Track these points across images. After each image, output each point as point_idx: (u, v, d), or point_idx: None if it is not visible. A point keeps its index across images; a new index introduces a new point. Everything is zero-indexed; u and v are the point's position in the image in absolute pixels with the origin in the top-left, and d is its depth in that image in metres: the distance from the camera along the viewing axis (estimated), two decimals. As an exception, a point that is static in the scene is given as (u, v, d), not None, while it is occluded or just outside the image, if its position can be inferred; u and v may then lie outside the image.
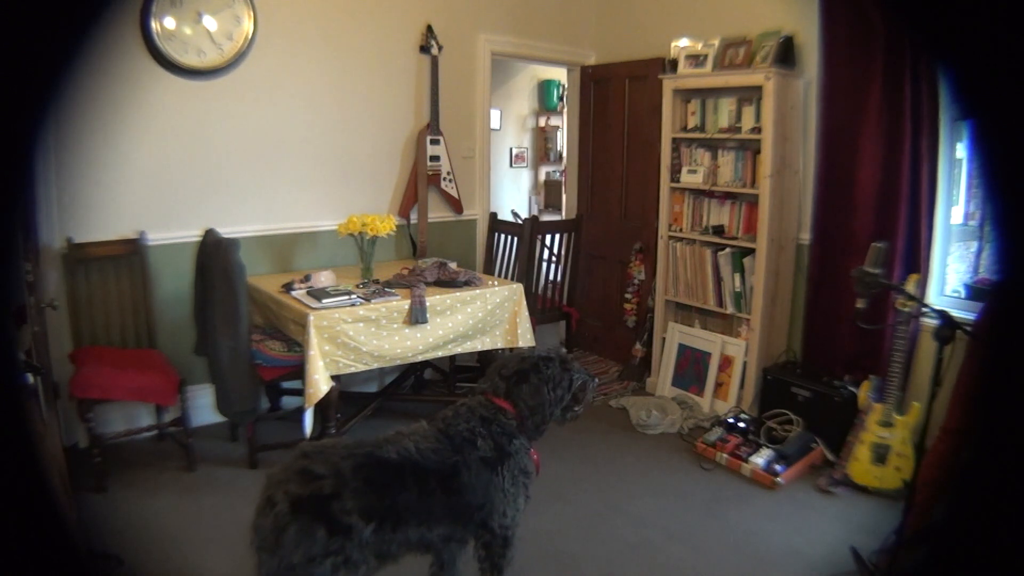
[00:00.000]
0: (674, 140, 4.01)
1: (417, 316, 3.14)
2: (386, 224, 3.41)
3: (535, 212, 6.91)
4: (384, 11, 3.94)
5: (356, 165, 3.97)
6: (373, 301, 3.10)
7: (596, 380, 2.18)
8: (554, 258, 4.54)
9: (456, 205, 4.36)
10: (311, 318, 2.89)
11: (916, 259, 3.23)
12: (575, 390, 2.07)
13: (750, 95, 3.65)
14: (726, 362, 3.86)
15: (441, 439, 1.88)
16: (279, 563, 1.62)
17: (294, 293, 3.17)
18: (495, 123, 6.39)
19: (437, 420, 1.96)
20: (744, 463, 3.20)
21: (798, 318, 3.78)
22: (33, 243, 2.74)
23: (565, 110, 5.69)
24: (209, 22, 3.32)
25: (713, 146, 3.87)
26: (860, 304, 2.41)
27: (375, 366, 3.16)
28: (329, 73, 3.79)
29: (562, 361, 2.08)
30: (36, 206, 2.93)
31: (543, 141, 7.02)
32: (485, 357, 3.70)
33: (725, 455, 3.28)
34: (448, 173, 4.24)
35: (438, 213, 4.32)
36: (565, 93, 5.88)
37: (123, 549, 2.35)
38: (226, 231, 3.27)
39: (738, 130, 3.72)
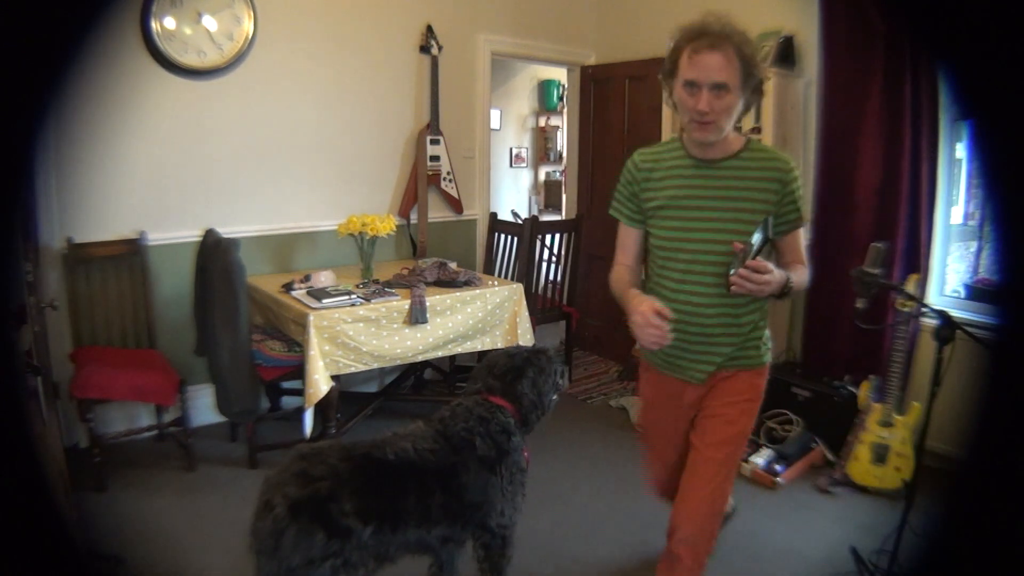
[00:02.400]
0: (674, 140, 4.01)
1: (417, 316, 3.14)
2: (386, 224, 3.41)
3: (535, 212, 6.91)
4: (384, 11, 3.94)
5: (356, 165, 3.97)
6: (373, 301, 3.10)
7: (565, 366, 2.27)
8: (554, 258, 4.54)
9: (456, 205, 4.36)
10: (311, 318, 2.89)
11: (916, 259, 3.23)
12: (556, 378, 2.14)
13: (750, 95, 3.64)
14: (726, 362, 3.86)
15: (439, 440, 1.88)
16: (278, 566, 1.62)
17: (294, 293, 3.17)
18: (495, 123, 6.39)
19: (434, 421, 1.96)
20: (744, 463, 3.20)
21: (798, 318, 3.77)
22: (33, 243, 2.74)
23: (565, 110, 5.69)
24: (209, 22, 3.32)
25: (713, 146, 3.86)
26: (860, 304, 2.41)
27: (375, 366, 3.15)
28: (329, 73, 3.79)
29: (545, 352, 2.15)
30: (36, 206, 2.93)
31: (543, 141, 7.02)
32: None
33: (725, 455, 3.28)
34: (448, 173, 4.24)
35: (438, 213, 4.32)
36: (565, 93, 5.88)
37: (123, 549, 2.35)
38: (226, 231, 3.27)
39: (738, 130, 3.70)
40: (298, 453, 1.75)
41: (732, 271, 1.62)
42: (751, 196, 1.75)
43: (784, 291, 1.69)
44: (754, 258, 1.59)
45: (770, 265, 1.61)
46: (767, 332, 1.90)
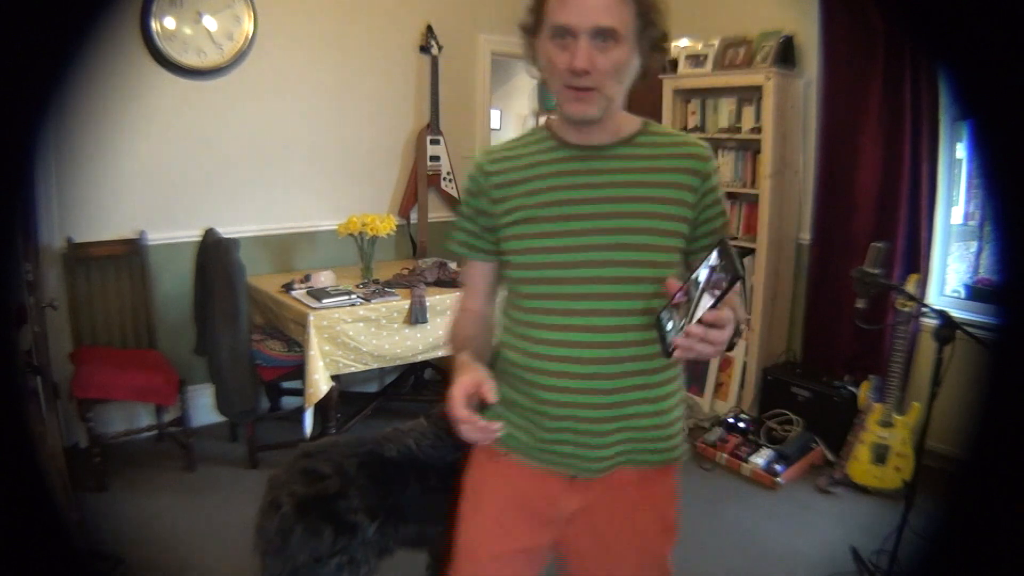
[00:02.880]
0: (674, 140, 4.01)
1: (417, 316, 3.14)
2: (386, 224, 3.41)
3: (535, 212, 6.90)
4: (384, 11, 3.94)
5: (356, 165, 3.97)
6: (373, 301, 3.10)
7: None
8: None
9: (456, 205, 4.37)
10: (311, 318, 2.89)
11: (916, 259, 3.23)
12: None
13: (750, 95, 3.65)
14: (726, 362, 3.86)
15: (441, 435, 1.89)
16: (283, 565, 1.62)
17: (294, 293, 3.17)
18: (495, 123, 6.39)
19: (433, 417, 1.97)
20: (744, 463, 3.20)
21: (798, 318, 3.78)
22: (33, 243, 2.74)
23: (565, 110, 5.69)
24: (209, 22, 3.32)
25: (713, 146, 3.87)
26: (860, 304, 2.42)
27: (375, 366, 3.16)
28: (329, 73, 3.79)
29: None
30: (36, 206, 2.93)
31: (543, 141, 7.02)
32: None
33: (725, 455, 3.28)
34: (448, 173, 4.24)
35: (438, 213, 4.31)
36: (565, 93, 5.88)
37: (123, 549, 2.35)
38: (226, 231, 3.27)
39: (738, 130, 3.72)
40: (302, 451, 1.76)
41: (670, 327, 1.05)
42: (660, 195, 1.18)
43: (732, 343, 1.07)
44: (715, 304, 0.98)
45: (727, 313, 1.00)
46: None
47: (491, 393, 1.09)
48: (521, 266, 1.23)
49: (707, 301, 0.99)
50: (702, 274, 1.02)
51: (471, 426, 1.07)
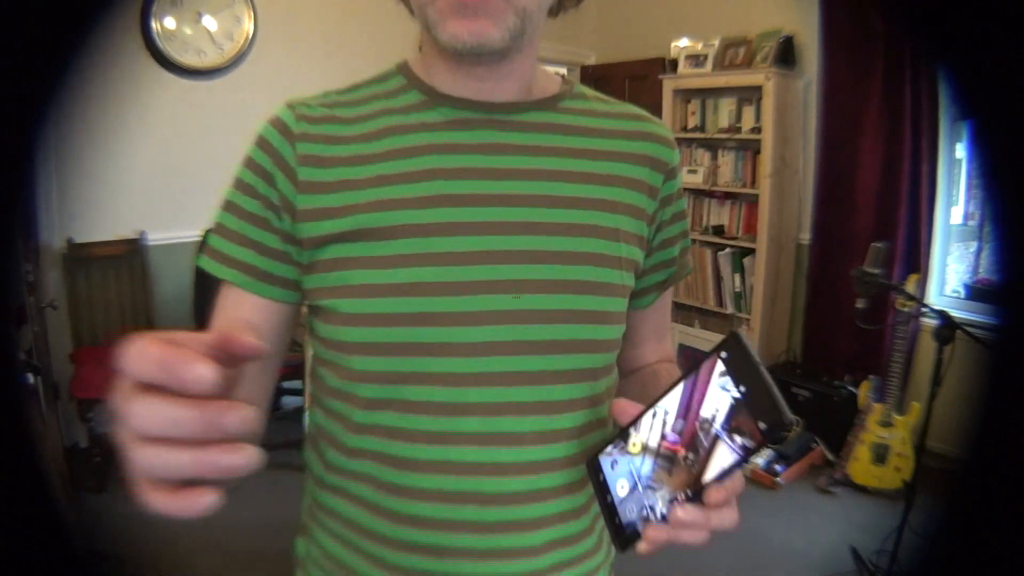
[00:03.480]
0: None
1: (417, 316, 3.13)
2: (386, 224, 3.41)
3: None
4: (384, 11, 3.92)
5: (356, 165, 3.97)
6: (373, 301, 3.09)
7: None
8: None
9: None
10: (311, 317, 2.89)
11: (916, 259, 3.23)
12: None
13: (750, 95, 3.65)
14: (726, 362, 3.86)
15: None
16: None
17: (294, 293, 3.17)
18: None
19: None
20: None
21: (798, 318, 3.78)
22: (33, 243, 2.75)
23: (565, 110, 5.69)
24: (209, 22, 3.32)
25: (713, 146, 3.87)
26: (860, 304, 2.42)
27: (375, 366, 3.15)
28: (329, 73, 3.78)
29: None
30: (36, 206, 2.94)
31: (543, 141, 7.01)
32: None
33: (725, 455, 3.28)
34: (448, 173, 4.24)
35: (438, 213, 4.32)
36: (565, 93, 5.87)
37: (123, 549, 2.35)
38: (226, 231, 3.27)
39: (738, 130, 3.72)
40: None
41: (624, 493, 0.62)
42: (604, 198, 0.70)
43: None
44: (738, 465, 0.57)
45: (740, 480, 0.61)
46: None
47: (255, 344, 0.42)
48: (357, 320, 0.65)
49: (724, 456, 0.56)
50: (720, 407, 0.55)
51: (203, 393, 0.39)
